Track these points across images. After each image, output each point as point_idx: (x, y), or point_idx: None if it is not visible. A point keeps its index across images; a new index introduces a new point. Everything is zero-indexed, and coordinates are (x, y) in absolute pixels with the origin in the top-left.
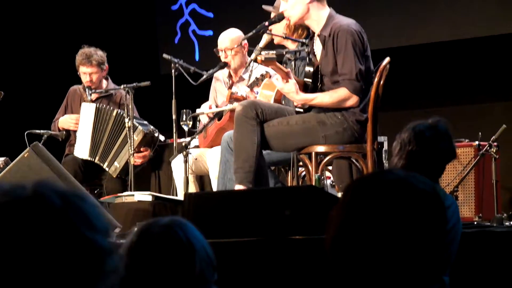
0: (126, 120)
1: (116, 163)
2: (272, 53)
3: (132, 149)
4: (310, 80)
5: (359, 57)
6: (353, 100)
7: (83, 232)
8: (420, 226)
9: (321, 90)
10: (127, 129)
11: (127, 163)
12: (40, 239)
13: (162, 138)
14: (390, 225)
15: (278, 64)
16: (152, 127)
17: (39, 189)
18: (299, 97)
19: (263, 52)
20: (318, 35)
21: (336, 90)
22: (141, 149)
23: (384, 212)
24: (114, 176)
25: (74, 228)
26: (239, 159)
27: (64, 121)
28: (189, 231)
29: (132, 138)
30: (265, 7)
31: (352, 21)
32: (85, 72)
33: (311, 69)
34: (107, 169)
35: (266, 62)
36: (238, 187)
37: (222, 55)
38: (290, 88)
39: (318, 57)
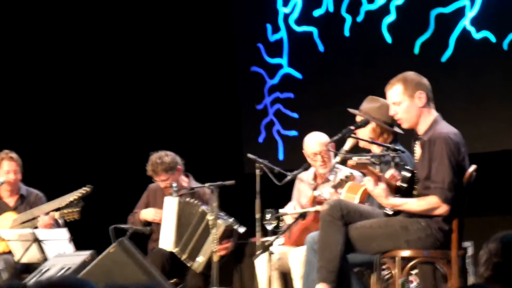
0: (208, 216)
1: (198, 259)
2: (365, 158)
3: (216, 245)
4: (406, 185)
5: (454, 167)
6: (443, 209)
7: None
8: None
9: (412, 194)
10: (207, 222)
11: (210, 259)
12: None
13: (241, 230)
14: None
15: (370, 168)
16: (232, 219)
17: None
18: (388, 202)
19: (355, 158)
20: (419, 138)
21: (426, 197)
22: (223, 242)
23: None
24: (198, 272)
25: None
26: (323, 258)
27: (148, 213)
28: None
29: (214, 235)
30: (351, 110)
31: (453, 130)
32: (161, 180)
33: (408, 174)
34: (188, 264)
35: (358, 166)
36: (320, 286)
37: (311, 158)
38: (380, 192)
39: (417, 157)
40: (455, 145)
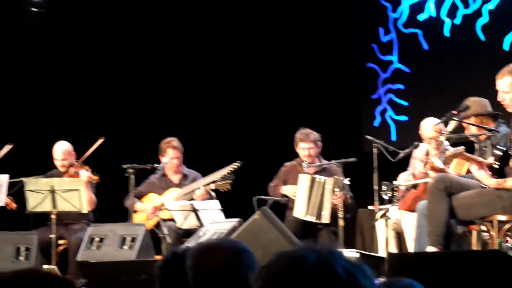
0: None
1: (323, 213)
2: (461, 148)
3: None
4: (498, 163)
5: None
6: None
7: None
8: None
9: (504, 173)
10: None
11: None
12: None
13: (346, 181)
14: None
15: (466, 154)
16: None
17: (325, 258)
18: (490, 183)
19: (449, 151)
20: None
21: None
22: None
23: None
24: (328, 221)
25: None
26: (431, 224)
27: (289, 190)
28: None
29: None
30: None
31: None
32: (304, 148)
33: (499, 153)
34: (318, 221)
35: (456, 155)
36: (430, 248)
37: (426, 141)
38: (483, 175)
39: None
40: None
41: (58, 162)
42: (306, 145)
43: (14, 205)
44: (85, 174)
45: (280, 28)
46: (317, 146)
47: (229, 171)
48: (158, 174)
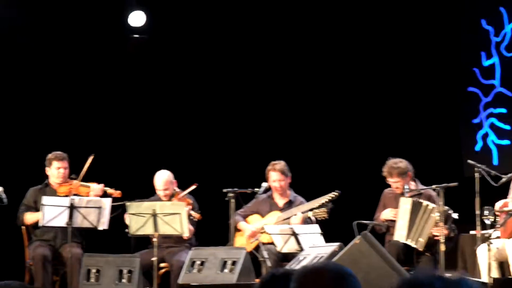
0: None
1: (420, 239)
2: None
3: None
4: None
5: None
6: None
7: None
8: None
9: None
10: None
11: (429, 239)
12: None
13: (455, 215)
14: None
15: None
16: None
17: (452, 285)
18: None
19: None
20: None
21: None
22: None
23: None
24: (421, 249)
25: None
26: None
27: (387, 213)
28: None
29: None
30: None
31: None
32: (393, 182)
33: None
34: (415, 245)
35: None
36: None
37: None
38: None
39: None
40: None
41: (160, 192)
42: (394, 179)
43: (118, 192)
44: (185, 209)
45: (382, 52)
46: (405, 178)
47: (327, 200)
48: (266, 195)
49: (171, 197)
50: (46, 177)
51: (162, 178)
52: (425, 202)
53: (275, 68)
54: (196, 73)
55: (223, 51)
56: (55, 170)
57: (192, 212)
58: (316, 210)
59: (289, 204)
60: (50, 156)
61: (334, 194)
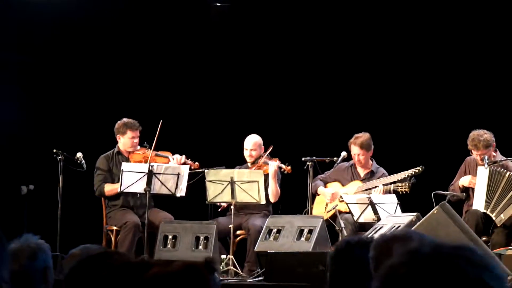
0: None
1: (502, 215)
2: None
3: None
4: None
5: None
6: None
7: None
8: None
9: None
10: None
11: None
12: None
13: None
14: None
15: None
16: None
17: (453, 255)
18: None
19: None
20: None
21: None
22: None
23: None
24: (498, 226)
25: None
26: None
27: (465, 179)
28: None
29: None
30: None
31: None
32: (480, 154)
33: None
34: (494, 218)
35: None
36: None
37: None
38: None
39: None
40: None
41: (247, 152)
42: (481, 151)
43: (196, 164)
44: (274, 164)
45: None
46: (489, 149)
47: (410, 174)
48: (348, 163)
49: (254, 161)
50: (115, 143)
51: (253, 138)
52: (505, 171)
53: (362, 37)
54: (279, 41)
55: (308, 15)
56: (129, 140)
57: (282, 165)
58: (398, 184)
59: (371, 175)
60: (121, 124)
61: (417, 169)
